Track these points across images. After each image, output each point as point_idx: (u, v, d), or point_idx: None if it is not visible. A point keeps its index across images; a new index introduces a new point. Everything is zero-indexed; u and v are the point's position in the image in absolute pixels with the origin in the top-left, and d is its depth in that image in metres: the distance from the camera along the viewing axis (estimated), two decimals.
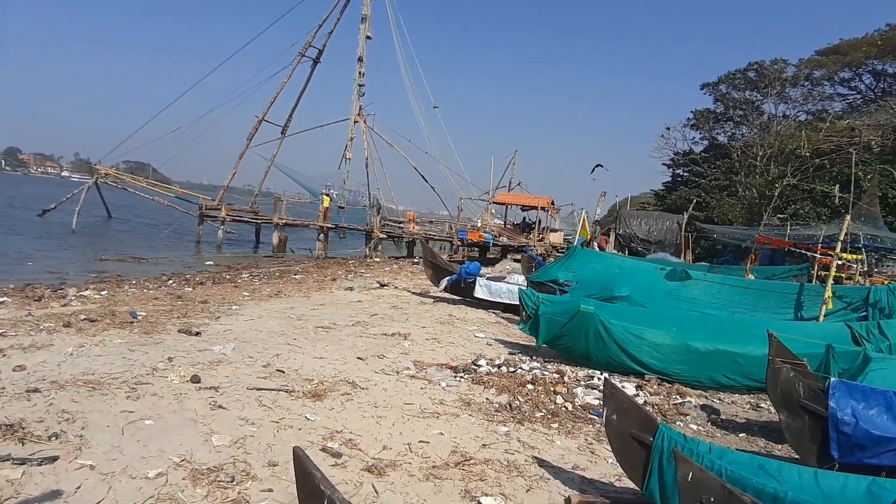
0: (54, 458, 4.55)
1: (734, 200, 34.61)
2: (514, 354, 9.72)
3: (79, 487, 4.21)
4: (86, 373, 6.67)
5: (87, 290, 13.02)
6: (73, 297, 11.86)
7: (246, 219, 32.77)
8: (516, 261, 25.75)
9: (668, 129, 43.57)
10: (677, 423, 7.12)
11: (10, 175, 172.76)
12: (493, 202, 36.99)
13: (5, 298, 11.30)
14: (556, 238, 31.76)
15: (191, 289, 14.39)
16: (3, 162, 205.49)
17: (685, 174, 42.43)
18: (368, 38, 32.96)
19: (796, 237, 20.27)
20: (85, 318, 9.45)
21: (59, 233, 29.91)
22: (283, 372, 7.43)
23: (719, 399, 8.29)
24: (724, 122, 42.01)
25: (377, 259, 28.16)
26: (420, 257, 27.47)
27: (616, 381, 7.69)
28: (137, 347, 7.92)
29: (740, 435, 7.01)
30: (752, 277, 15.24)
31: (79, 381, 6.36)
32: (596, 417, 6.84)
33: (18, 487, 4.14)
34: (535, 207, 33.55)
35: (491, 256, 30.68)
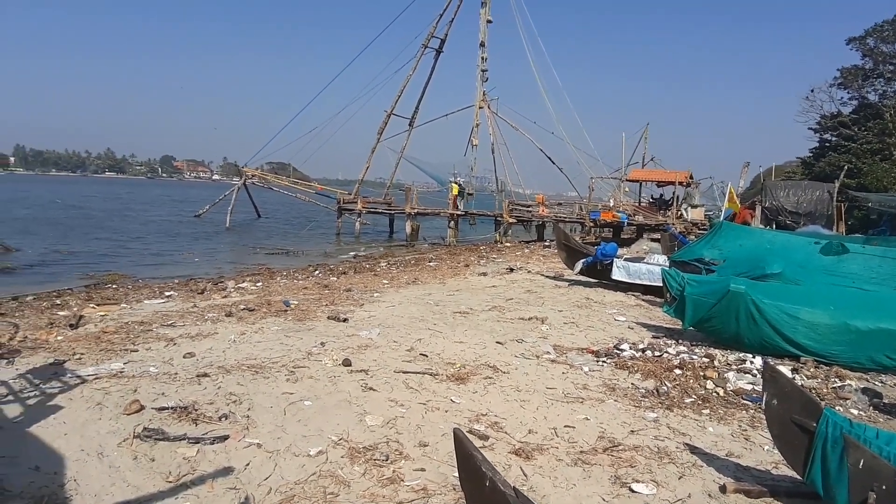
0: (225, 438, 4.95)
1: (889, 164, 30.97)
2: (658, 338, 9.33)
3: (248, 464, 4.56)
4: (248, 358, 7.23)
5: (243, 282, 14.12)
6: (232, 289, 12.89)
7: (380, 210, 34.02)
8: (654, 240, 24.70)
9: (812, 90, 39.49)
10: (836, 407, 6.53)
11: (167, 181, 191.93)
12: (626, 180, 35.65)
13: (172, 292, 12.48)
14: (696, 214, 30.12)
15: (335, 278, 15.16)
16: (160, 169, 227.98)
17: (833, 139, 38.38)
18: (489, 21, 32.87)
19: None
20: (244, 308, 10.25)
21: (215, 231, 32.71)
22: (427, 356, 7.63)
23: (881, 381, 7.50)
24: (875, 78, 37.48)
25: (507, 244, 28.17)
26: (551, 240, 27.17)
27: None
28: (292, 333, 8.48)
29: None
30: None
31: (243, 365, 6.91)
32: (749, 403, 6.44)
33: (194, 464, 4.54)
34: (671, 183, 31.98)
35: (626, 237, 29.69)
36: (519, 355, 7.98)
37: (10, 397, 5.83)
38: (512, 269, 17.10)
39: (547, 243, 27.56)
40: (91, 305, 10.68)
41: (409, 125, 36.63)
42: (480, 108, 33.74)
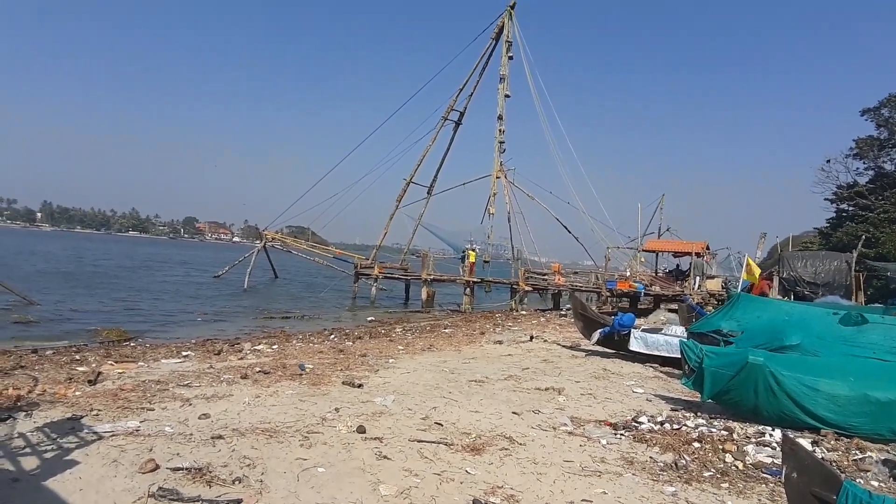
0: (238, 502, 4.91)
1: None
2: (676, 410, 9.18)
3: None
4: (262, 421, 7.21)
5: (259, 344, 14.16)
6: (248, 351, 12.93)
7: (396, 276, 34.26)
8: (671, 311, 24.54)
9: (828, 161, 39.90)
10: (857, 479, 6.37)
11: (188, 241, 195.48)
12: (643, 250, 35.71)
13: (189, 352, 12.57)
14: (713, 285, 29.95)
15: (350, 343, 15.16)
16: (182, 230, 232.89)
17: (850, 208, 38.38)
18: (507, 96, 33.83)
19: None
20: (259, 371, 10.26)
21: (233, 292, 33.04)
22: (442, 425, 7.56)
23: None
24: (890, 148, 37.76)
25: (523, 312, 28.08)
26: (567, 309, 27.06)
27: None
28: (307, 398, 8.46)
29: None
30: None
31: (257, 429, 6.89)
32: (769, 476, 6.30)
33: None
34: (688, 253, 31.98)
35: (643, 307, 29.50)
36: (535, 426, 7.88)
37: (28, 450, 5.87)
38: (532, 338, 17.00)
39: (563, 312, 27.44)
40: (109, 362, 10.76)
41: (428, 193, 37.26)
42: (497, 177, 34.32)
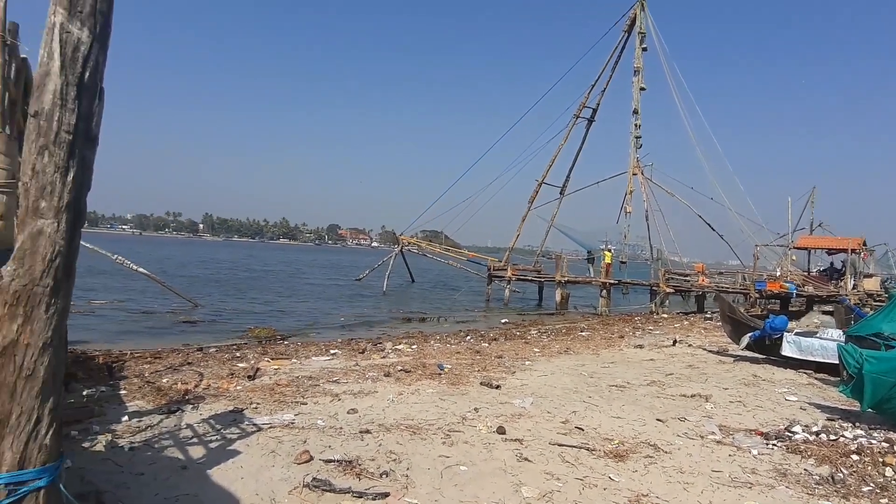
0: (385, 495, 5.11)
1: None
2: (833, 420, 8.41)
3: None
4: (406, 418, 7.47)
5: (400, 344, 14.68)
6: (390, 351, 13.44)
7: (530, 278, 34.11)
8: (826, 312, 22.53)
9: None
10: None
11: (331, 247, 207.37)
12: (794, 247, 32.95)
13: (336, 350, 13.28)
14: (871, 284, 27.12)
15: (486, 344, 15.30)
16: (326, 236, 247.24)
17: None
18: (643, 89, 32.70)
19: None
20: (401, 370, 10.64)
21: (373, 294, 34.50)
22: (582, 429, 7.43)
23: None
24: None
25: (664, 315, 26.91)
26: (712, 312, 25.60)
27: None
28: (447, 397, 8.66)
29: None
30: None
31: (401, 425, 7.14)
32: None
33: None
34: (843, 250, 29.16)
35: (794, 309, 27.30)
36: (681, 434, 7.53)
37: (195, 440, 6.46)
38: (675, 342, 16.29)
39: (708, 315, 26.01)
40: (266, 359, 11.63)
41: (560, 193, 36.84)
42: (634, 174, 33.19)
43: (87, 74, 2.23)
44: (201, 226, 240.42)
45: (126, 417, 7.18)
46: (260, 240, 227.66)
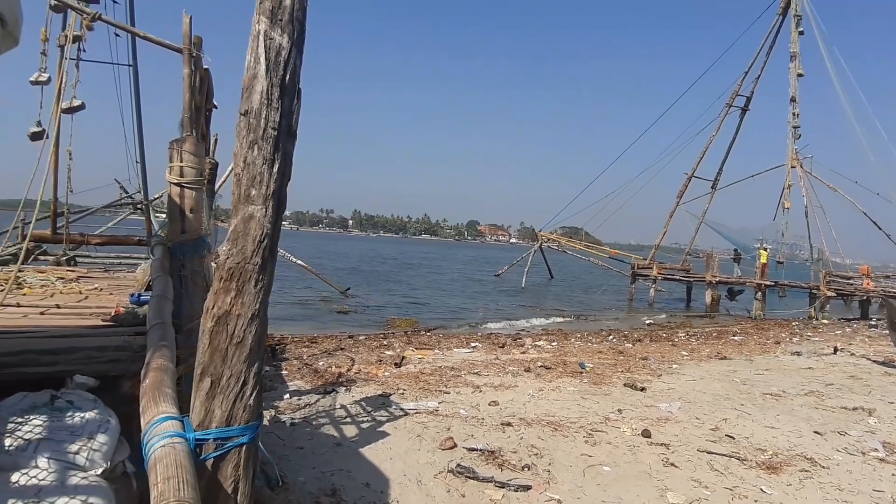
0: (528, 487, 5.14)
1: None
2: None
3: None
4: (547, 414, 7.45)
5: (539, 340, 14.62)
6: (530, 346, 13.43)
7: (677, 277, 32.51)
8: None
9: None
10: None
11: (470, 243, 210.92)
12: None
13: (477, 343, 13.52)
14: None
15: (630, 345, 14.83)
16: (466, 232, 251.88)
17: None
18: (800, 75, 29.98)
19: None
20: (541, 366, 10.60)
21: (512, 289, 34.60)
22: (733, 438, 7.00)
23: None
24: None
25: (824, 321, 24.57)
26: (878, 319, 23.04)
27: None
28: (588, 396, 8.51)
29: None
30: None
31: (542, 420, 7.13)
32: None
33: None
34: None
35: None
36: (841, 449, 6.88)
37: (348, 419, 6.88)
38: (836, 350, 14.87)
39: (873, 322, 23.46)
40: (411, 349, 12.09)
41: (712, 188, 34.74)
42: (793, 167, 30.52)
43: (288, 76, 2.50)
44: (350, 222, 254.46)
45: (287, 395, 7.80)
46: (403, 235, 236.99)
